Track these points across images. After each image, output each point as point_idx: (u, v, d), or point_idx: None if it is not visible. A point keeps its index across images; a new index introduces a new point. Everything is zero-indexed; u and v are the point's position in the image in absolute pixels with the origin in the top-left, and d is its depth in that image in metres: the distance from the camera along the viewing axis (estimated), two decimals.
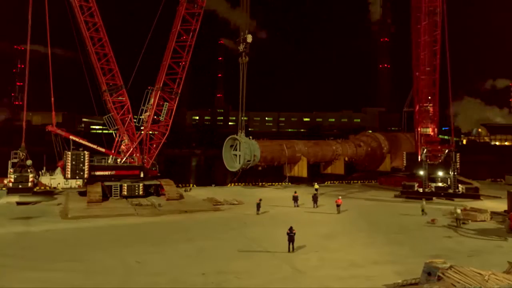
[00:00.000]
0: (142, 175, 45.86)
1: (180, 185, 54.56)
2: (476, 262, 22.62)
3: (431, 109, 52.91)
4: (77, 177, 44.14)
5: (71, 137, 45.90)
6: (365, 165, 69.47)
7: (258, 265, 23.82)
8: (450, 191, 49.35)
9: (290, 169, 61.70)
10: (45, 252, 25.51)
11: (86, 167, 43.13)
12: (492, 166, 63.58)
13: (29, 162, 44.25)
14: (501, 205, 41.28)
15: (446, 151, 51.12)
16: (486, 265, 20.48)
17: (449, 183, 50.13)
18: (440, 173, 50.99)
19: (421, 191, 49.49)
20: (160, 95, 46.52)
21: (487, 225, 34.93)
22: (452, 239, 30.24)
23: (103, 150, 46.59)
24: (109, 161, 45.79)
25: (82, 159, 43.15)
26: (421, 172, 50.68)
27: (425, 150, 50.89)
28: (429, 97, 52.98)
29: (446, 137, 62.34)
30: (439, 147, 51.69)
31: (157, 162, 49.75)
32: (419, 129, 53.44)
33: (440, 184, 50.40)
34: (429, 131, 53.03)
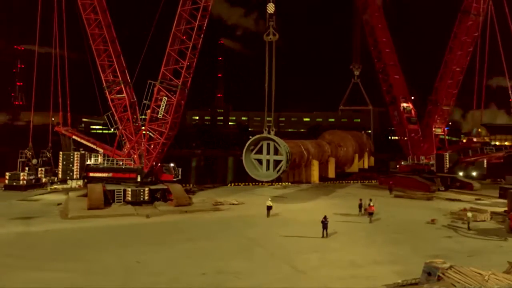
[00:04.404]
0: (139, 178, 42.29)
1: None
2: (476, 262, 22.59)
3: (448, 110, 55.14)
4: (68, 177, 43.97)
5: (73, 136, 46.21)
6: (339, 166, 67.29)
7: (258, 265, 23.82)
8: None
9: (304, 173, 56.09)
10: (45, 252, 25.51)
11: (75, 168, 42.99)
12: (492, 166, 63.89)
13: (34, 161, 45.77)
14: (501, 205, 41.29)
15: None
16: (486, 265, 20.47)
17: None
18: (474, 173, 52.79)
19: None
20: (159, 89, 41.10)
21: (487, 225, 34.94)
22: (452, 239, 30.25)
23: (101, 150, 46.40)
24: (115, 162, 44.59)
25: (71, 160, 43.06)
26: (461, 173, 55.04)
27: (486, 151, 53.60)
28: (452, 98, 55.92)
29: (446, 137, 62.86)
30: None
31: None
32: (433, 129, 55.20)
33: None
34: (440, 131, 54.68)
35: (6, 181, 45.85)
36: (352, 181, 66.47)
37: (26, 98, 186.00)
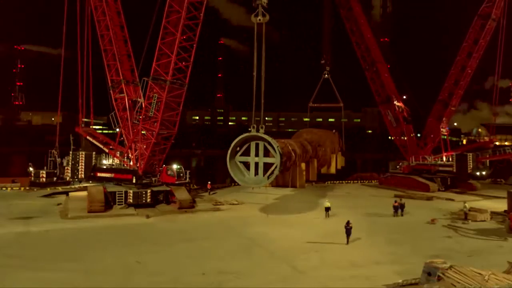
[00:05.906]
0: (134, 180, 40.84)
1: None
2: (476, 262, 22.62)
3: (454, 110, 56.95)
4: (75, 177, 44.22)
5: (87, 137, 46.57)
6: (317, 167, 63.41)
7: (258, 265, 23.83)
8: None
9: (288, 176, 53.08)
10: (45, 252, 25.52)
11: (80, 168, 43.13)
12: (492, 166, 64.25)
13: (59, 160, 48.70)
14: (501, 205, 41.27)
15: None
16: (486, 265, 20.50)
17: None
18: (483, 173, 55.97)
19: None
20: (152, 86, 38.28)
21: (487, 225, 34.93)
22: (452, 239, 30.25)
23: (106, 150, 46.33)
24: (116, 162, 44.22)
25: (77, 159, 43.31)
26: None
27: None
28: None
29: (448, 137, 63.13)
30: None
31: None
32: (442, 129, 56.27)
33: None
34: (444, 131, 55.69)
35: (32, 178, 49.18)
36: (352, 181, 66.40)
37: (26, 98, 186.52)
